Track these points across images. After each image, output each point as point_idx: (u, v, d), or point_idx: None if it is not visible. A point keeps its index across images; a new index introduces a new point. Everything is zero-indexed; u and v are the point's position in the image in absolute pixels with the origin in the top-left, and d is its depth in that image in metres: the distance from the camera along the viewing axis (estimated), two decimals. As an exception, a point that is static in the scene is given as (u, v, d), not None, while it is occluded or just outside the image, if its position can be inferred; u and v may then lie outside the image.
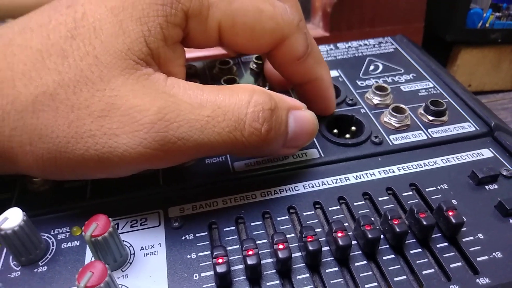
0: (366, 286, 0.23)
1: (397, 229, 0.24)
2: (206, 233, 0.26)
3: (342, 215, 0.27)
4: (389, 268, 0.24)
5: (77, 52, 0.23)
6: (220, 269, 0.23)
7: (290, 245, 0.24)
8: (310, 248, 0.23)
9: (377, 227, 0.25)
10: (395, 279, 0.24)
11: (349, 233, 0.25)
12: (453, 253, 0.25)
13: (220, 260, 0.23)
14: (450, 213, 0.25)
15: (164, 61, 0.25)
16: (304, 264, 0.25)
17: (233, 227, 0.27)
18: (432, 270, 0.24)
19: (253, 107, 0.25)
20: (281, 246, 0.24)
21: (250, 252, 0.23)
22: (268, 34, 0.28)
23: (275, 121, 0.26)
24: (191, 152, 0.24)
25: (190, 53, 0.40)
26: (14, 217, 0.24)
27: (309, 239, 0.24)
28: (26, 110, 0.23)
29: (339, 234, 0.24)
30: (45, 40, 0.24)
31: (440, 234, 0.26)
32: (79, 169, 0.24)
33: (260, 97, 0.25)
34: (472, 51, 0.63)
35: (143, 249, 0.26)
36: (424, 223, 0.25)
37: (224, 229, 0.26)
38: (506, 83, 0.66)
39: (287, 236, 0.24)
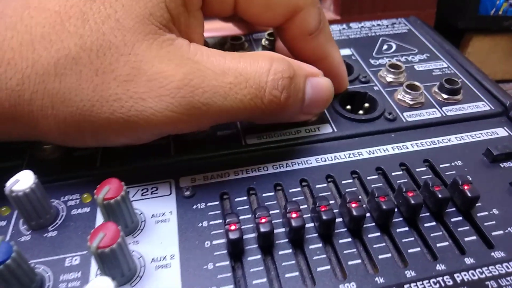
0: (380, 257, 0.23)
1: (412, 201, 0.24)
2: (217, 202, 0.26)
3: (355, 189, 0.27)
4: (403, 241, 0.24)
5: (98, 15, 0.23)
6: (233, 235, 0.22)
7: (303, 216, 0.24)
8: (324, 217, 0.23)
9: (391, 200, 0.24)
10: (409, 251, 0.23)
11: (363, 205, 0.24)
12: (467, 227, 0.25)
13: (232, 227, 0.23)
14: (466, 187, 0.25)
15: (185, 28, 0.25)
16: (316, 234, 0.24)
17: (245, 197, 0.26)
18: (447, 243, 0.24)
19: (273, 75, 0.25)
20: (294, 215, 0.23)
21: (263, 220, 0.23)
22: (282, 4, 0.28)
23: (293, 89, 0.26)
24: (213, 117, 0.24)
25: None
26: (25, 179, 0.23)
27: (323, 209, 0.24)
28: (47, 73, 0.22)
29: (353, 205, 0.24)
30: (63, 2, 0.23)
31: (454, 209, 0.26)
32: (103, 133, 0.24)
33: (279, 64, 0.25)
34: (484, 39, 0.62)
35: (154, 216, 0.25)
36: (439, 196, 0.24)
37: (236, 199, 0.26)
38: (517, 72, 0.65)
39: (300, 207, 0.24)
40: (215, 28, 0.49)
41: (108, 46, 0.23)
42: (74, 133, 0.24)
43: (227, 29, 0.44)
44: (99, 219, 0.25)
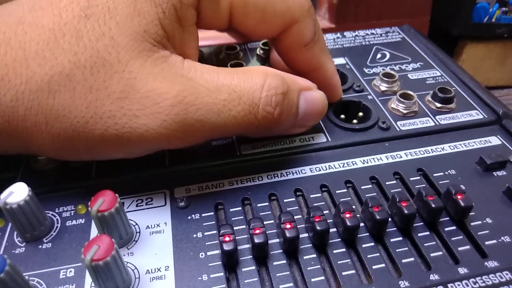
0: (374, 267, 0.23)
1: (406, 211, 0.24)
2: (212, 213, 0.26)
3: (349, 198, 0.27)
4: (397, 250, 0.24)
5: (92, 32, 0.23)
6: (227, 247, 0.22)
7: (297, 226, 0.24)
8: (318, 228, 0.23)
9: (385, 209, 0.25)
10: (403, 261, 0.24)
11: (356, 215, 0.24)
12: (461, 237, 0.25)
13: (227, 238, 0.23)
14: (459, 197, 0.25)
15: (179, 43, 0.25)
16: (311, 244, 0.24)
17: (240, 208, 0.26)
18: (440, 253, 0.24)
19: (266, 91, 0.25)
20: (288, 226, 0.23)
21: (257, 231, 0.23)
22: (278, 16, 0.28)
23: (287, 104, 0.26)
24: (207, 133, 0.25)
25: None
26: (19, 191, 0.23)
27: (317, 219, 0.24)
28: (41, 90, 0.23)
29: (347, 215, 0.24)
30: (57, 19, 0.23)
31: (448, 218, 0.26)
32: (96, 149, 0.24)
33: (273, 80, 0.26)
34: (477, 46, 0.63)
35: (148, 227, 0.25)
36: (433, 205, 0.24)
37: (231, 210, 0.26)
38: (511, 78, 0.65)
39: (294, 217, 0.24)
40: (210, 37, 0.49)
41: (102, 63, 0.23)
42: (68, 148, 0.24)
43: (222, 37, 0.44)
44: (94, 230, 0.25)
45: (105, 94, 0.23)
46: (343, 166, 0.29)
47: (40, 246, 0.24)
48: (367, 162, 0.29)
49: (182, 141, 0.25)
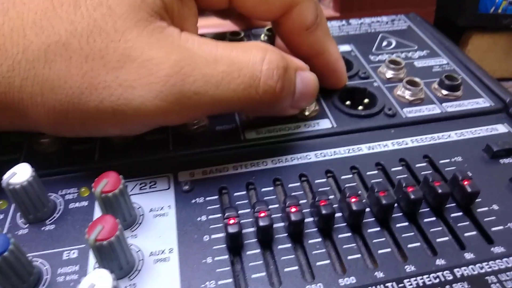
0: (379, 251, 0.23)
1: (412, 196, 0.24)
2: (216, 197, 0.26)
3: (355, 184, 0.27)
4: (403, 235, 0.24)
5: (90, 1, 0.23)
6: (232, 229, 0.22)
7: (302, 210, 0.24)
8: (324, 211, 0.23)
9: (391, 194, 0.24)
10: (409, 245, 0.23)
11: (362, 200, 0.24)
12: (467, 223, 0.25)
13: (231, 221, 0.23)
14: (466, 182, 0.25)
15: (178, 17, 0.25)
16: (316, 229, 0.24)
17: (244, 192, 0.26)
18: (446, 238, 0.24)
19: (267, 64, 0.25)
20: (293, 209, 0.23)
21: (263, 214, 0.23)
22: None
23: (287, 80, 0.26)
24: (205, 107, 0.24)
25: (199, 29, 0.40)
26: (22, 172, 0.23)
27: (322, 203, 0.23)
28: (37, 59, 0.22)
29: (353, 199, 0.24)
30: None
31: (454, 204, 0.25)
32: (92, 123, 0.24)
33: (273, 54, 0.25)
34: (483, 37, 0.62)
35: (152, 210, 0.25)
36: (439, 191, 0.24)
37: (235, 194, 0.26)
38: (516, 70, 0.65)
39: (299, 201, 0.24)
40: (213, 25, 0.49)
41: (98, 32, 0.22)
42: (64, 122, 0.24)
43: (225, 25, 0.44)
44: (97, 212, 0.25)
45: (101, 64, 0.22)
46: (348, 152, 0.29)
47: (43, 228, 0.24)
48: (373, 148, 0.29)
49: (180, 116, 0.24)
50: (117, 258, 0.21)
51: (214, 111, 0.25)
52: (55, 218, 0.25)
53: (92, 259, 0.22)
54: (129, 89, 0.22)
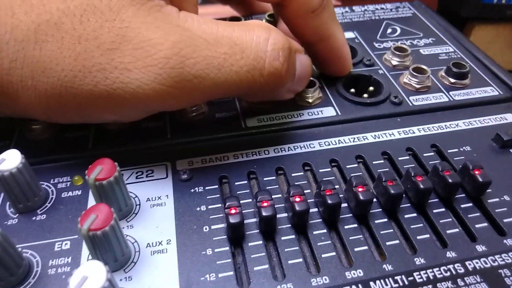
0: (387, 243, 0.22)
1: (421, 186, 0.23)
2: (216, 186, 0.25)
3: (361, 173, 0.26)
4: (411, 227, 0.23)
5: None
6: (233, 219, 0.21)
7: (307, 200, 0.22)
8: (329, 201, 0.22)
9: (399, 184, 0.23)
10: (418, 237, 0.22)
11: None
12: (478, 214, 0.24)
13: (233, 211, 0.22)
14: (477, 172, 0.24)
15: None
16: (321, 219, 0.23)
17: (245, 181, 0.25)
18: (457, 230, 0.23)
19: (272, 45, 0.23)
20: (298, 199, 0.22)
21: (265, 204, 0.22)
22: None
23: (292, 61, 0.24)
24: (206, 91, 0.23)
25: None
26: (12, 159, 0.22)
27: (328, 193, 0.22)
28: (27, 40, 0.21)
29: (360, 189, 0.23)
30: None
31: (463, 195, 0.24)
32: (86, 108, 0.22)
33: (278, 34, 0.24)
34: (486, 28, 0.61)
35: (149, 200, 0.24)
36: (450, 180, 0.23)
37: (236, 183, 0.25)
38: (519, 62, 0.64)
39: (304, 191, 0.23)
40: (214, 12, 0.48)
41: (92, 11, 0.21)
42: (57, 107, 0.22)
43: (226, 13, 0.43)
44: (91, 202, 0.24)
45: (95, 45, 0.21)
46: (353, 141, 0.28)
47: (33, 218, 0.23)
48: (379, 137, 0.28)
49: (179, 100, 0.23)
50: (111, 249, 0.19)
51: (215, 95, 0.24)
52: (46, 208, 0.24)
53: (85, 251, 0.21)
54: (125, 72, 0.21)
